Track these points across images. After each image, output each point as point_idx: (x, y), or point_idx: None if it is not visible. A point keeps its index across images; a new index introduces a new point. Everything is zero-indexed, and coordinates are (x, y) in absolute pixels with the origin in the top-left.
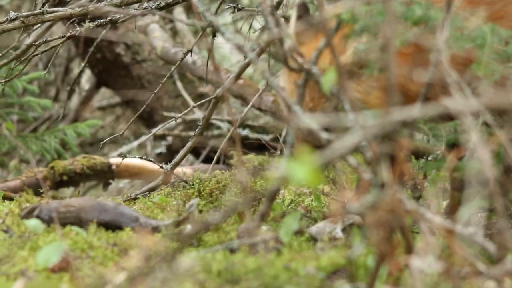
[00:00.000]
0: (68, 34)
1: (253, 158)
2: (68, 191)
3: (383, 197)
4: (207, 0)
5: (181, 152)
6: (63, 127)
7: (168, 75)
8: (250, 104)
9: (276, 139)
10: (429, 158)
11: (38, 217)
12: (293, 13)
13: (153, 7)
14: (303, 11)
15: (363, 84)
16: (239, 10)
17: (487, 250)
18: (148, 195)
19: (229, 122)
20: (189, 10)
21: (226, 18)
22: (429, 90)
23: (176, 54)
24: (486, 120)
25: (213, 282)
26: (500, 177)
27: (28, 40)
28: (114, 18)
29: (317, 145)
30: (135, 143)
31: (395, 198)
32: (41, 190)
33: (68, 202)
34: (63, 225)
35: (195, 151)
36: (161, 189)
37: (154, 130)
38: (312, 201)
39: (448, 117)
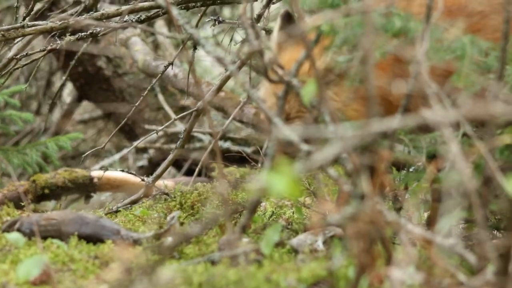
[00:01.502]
0: (49, 48)
1: (234, 171)
2: (50, 204)
3: (363, 208)
4: (188, 13)
5: (163, 165)
6: (45, 140)
7: (149, 88)
8: (231, 116)
9: (257, 152)
10: (410, 170)
11: (19, 230)
12: (276, 23)
13: (134, 20)
14: (287, 20)
15: (342, 94)
16: (219, 22)
17: (467, 261)
18: (130, 208)
19: (211, 134)
20: (170, 23)
21: (207, 31)
22: (409, 102)
23: (157, 67)
24: (466, 131)
25: None
26: (480, 188)
27: (9, 54)
28: (95, 31)
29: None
30: (116, 156)
31: (376, 209)
32: (23, 204)
33: (49, 215)
34: (44, 238)
35: (177, 164)
36: (143, 202)
37: (135, 143)
38: (293, 213)
39: (428, 128)
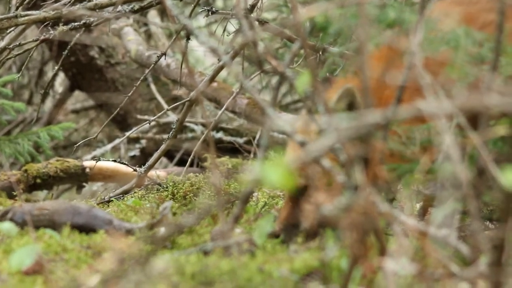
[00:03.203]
0: (42, 38)
1: (227, 161)
2: (41, 194)
3: (356, 199)
4: (181, 3)
5: (155, 155)
6: (37, 130)
7: (142, 78)
8: (224, 107)
9: (250, 142)
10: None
11: (11, 220)
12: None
13: (127, 10)
14: None
15: None
16: (213, 13)
17: (460, 252)
18: (122, 198)
19: (203, 125)
20: (163, 13)
21: (200, 21)
22: (403, 93)
23: (150, 57)
24: (460, 122)
25: (187, 284)
26: (473, 179)
27: (2, 44)
28: (88, 21)
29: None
30: (108, 146)
31: (369, 200)
32: (15, 193)
33: (41, 205)
34: (37, 228)
35: (169, 154)
36: (135, 192)
37: (128, 133)
38: None
39: (422, 119)
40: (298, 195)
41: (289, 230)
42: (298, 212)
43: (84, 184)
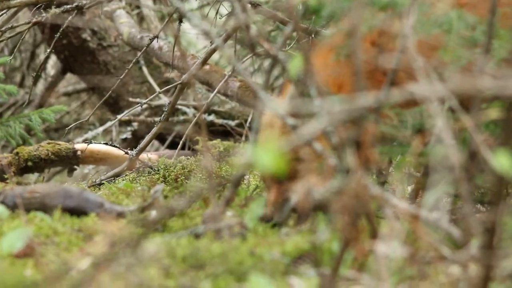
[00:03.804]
0: (34, 20)
1: (218, 144)
2: (33, 177)
3: (348, 182)
4: None
5: (147, 138)
6: (28, 113)
7: (134, 61)
8: (216, 89)
9: (241, 125)
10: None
11: (2, 203)
12: None
13: None
14: None
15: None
16: None
17: (452, 235)
18: (113, 181)
19: (195, 107)
20: None
21: (192, 3)
22: (395, 76)
23: (142, 40)
24: (452, 105)
25: (178, 267)
26: (465, 163)
27: None
28: (80, 4)
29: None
30: (100, 129)
31: (360, 183)
32: (6, 176)
33: (32, 188)
34: (28, 211)
35: (161, 137)
36: (126, 175)
37: (119, 116)
38: None
39: (414, 102)
40: (285, 178)
41: (281, 212)
42: (286, 193)
43: (76, 167)
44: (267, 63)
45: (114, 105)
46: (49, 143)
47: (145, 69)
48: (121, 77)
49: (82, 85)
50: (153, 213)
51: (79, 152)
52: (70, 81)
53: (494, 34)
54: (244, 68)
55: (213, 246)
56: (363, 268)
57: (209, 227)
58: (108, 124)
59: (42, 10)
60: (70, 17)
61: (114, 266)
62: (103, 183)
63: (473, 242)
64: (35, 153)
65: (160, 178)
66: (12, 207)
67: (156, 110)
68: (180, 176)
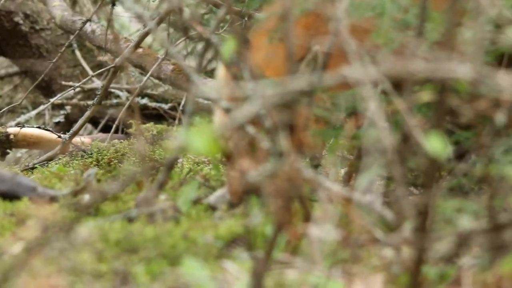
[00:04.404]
0: None
1: (151, 127)
2: None
3: (281, 166)
4: None
5: (80, 121)
6: None
7: (67, 44)
8: (149, 73)
9: (175, 108)
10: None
11: None
12: None
13: None
14: None
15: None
16: None
17: (385, 218)
18: (46, 164)
19: (128, 91)
20: None
21: None
22: (328, 59)
23: (75, 23)
24: (385, 88)
25: (111, 251)
26: (398, 145)
27: None
28: None
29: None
30: (33, 113)
31: (294, 167)
32: None
33: None
34: None
35: (94, 120)
36: (59, 159)
37: (52, 100)
38: (210, 169)
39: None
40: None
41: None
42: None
43: (8, 150)
44: (200, 46)
45: (47, 88)
46: None
47: (78, 53)
48: (54, 60)
49: (15, 68)
50: (86, 197)
51: (11, 136)
52: (3, 65)
53: (427, 17)
54: (177, 51)
55: (146, 230)
56: (296, 251)
57: (142, 210)
58: (41, 107)
59: None
60: (2, 0)
61: (46, 250)
62: (36, 167)
63: (406, 224)
64: None
65: (93, 162)
66: None
67: (89, 93)
68: (113, 159)
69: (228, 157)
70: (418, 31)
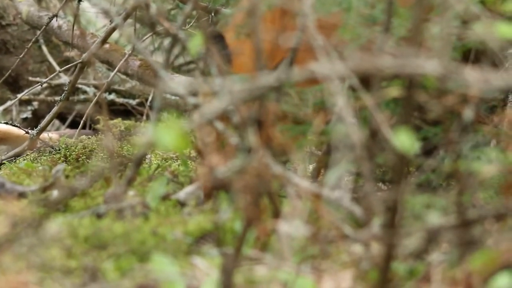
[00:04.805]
0: None
1: (119, 123)
2: None
3: (250, 161)
4: None
5: (47, 117)
6: None
7: (33, 40)
8: (117, 68)
9: (142, 104)
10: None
11: None
12: None
13: None
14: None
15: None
16: None
17: (353, 214)
18: (14, 160)
19: (95, 86)
20: None
21: None
22: (296, 55)
23: (41, 19)
24: (352, 84)
25: (80, 247)
26: (366, 141)
27: None
28: None
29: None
30: (0, 108)
31: (262, 162)
32: None
33: None
34: None
35: (61, 116)
36: (27, 155)
37: (19, 95)
38: (179, 165)
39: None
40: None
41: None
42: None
43: None
44: (167, 42)
45: (14, 84)
46: None
47: (44, 48)
48: (21, 56)
49: None
50: (54, 193)
51: None
52: None
53: (394, 12)
54: (144, 47)
55: (115, 226)
56: (265, 247)
57: (111, 206)
58: (8, 103)
59: None
60: None
61: (15, 246)
62: (4, 163)
63: (375, 220)
64: None
65: (61, 158)
66: None
67: (56, 89)
68: (81, 155)
69: (201, 153)
70: (385, 26)
